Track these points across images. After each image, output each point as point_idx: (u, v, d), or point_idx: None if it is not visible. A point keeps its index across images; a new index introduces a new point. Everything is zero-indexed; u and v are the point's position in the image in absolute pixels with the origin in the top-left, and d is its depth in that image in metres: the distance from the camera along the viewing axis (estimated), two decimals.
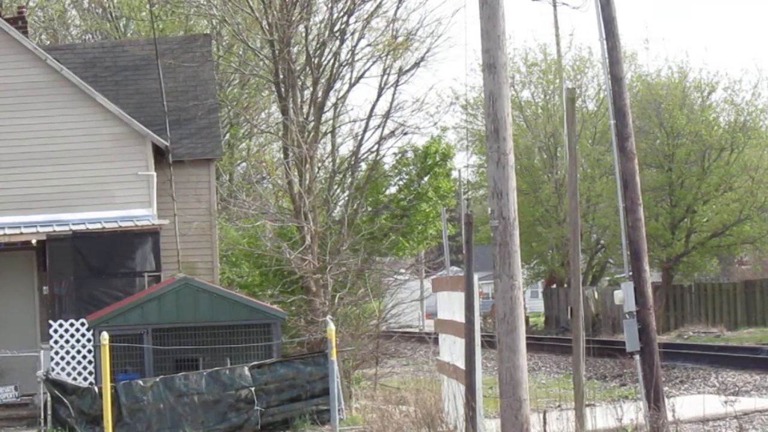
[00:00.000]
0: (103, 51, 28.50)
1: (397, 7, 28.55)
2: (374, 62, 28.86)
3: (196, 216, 25.74)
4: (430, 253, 36.18)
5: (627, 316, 15.86)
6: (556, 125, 55.03)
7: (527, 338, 14.47)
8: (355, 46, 28.69)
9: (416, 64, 28.88)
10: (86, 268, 23.26)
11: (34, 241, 23.87)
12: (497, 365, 14.54)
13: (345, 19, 28.43)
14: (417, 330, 52.41)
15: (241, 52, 35.23)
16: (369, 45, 28.97)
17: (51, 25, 41.87)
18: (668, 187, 49.95)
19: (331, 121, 29.55)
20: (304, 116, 27.91)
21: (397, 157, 31.55)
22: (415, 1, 38.47)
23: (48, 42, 39.84)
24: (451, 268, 25.60)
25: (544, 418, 16.24)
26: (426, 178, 31.34)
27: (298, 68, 28.47)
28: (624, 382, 28.32)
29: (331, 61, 28.51)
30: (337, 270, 26.97)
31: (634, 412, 15.00)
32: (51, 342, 22.85)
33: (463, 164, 71.14)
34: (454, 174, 32.66)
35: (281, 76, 27.95)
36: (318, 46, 28.42)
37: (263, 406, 20.63)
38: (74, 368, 22.72)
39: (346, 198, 29.36)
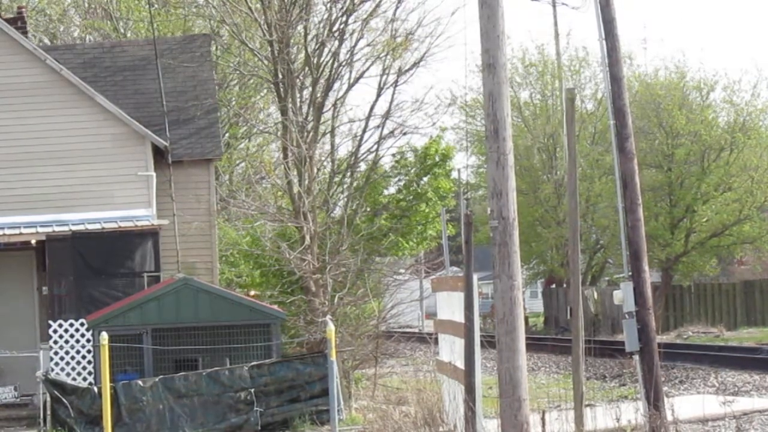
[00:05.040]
0: (102, 51, 28.50)
1: (396, 7, 28.56)
2: (373, 62, 28.87)
3: (196, 216, 25.74)
4: (430, 254, 36.16)
5: (626, 316, 15.85)
6: (555, 126, 55.05)
7: (527, 338, 14.47)
8: (354, 46, 28.70)
9: (415, 64, 28.87)
10: (86, 269, 23.27)
11: (33, 242, 23.87)
12: (497, 365, 14.55)
13: (344, 19, 28.43)
14: (417, 330, 52.40)
15: (240, 53, 35.23)
16: (368, 45, 28.97)
17: (51, 26, 41.87)
18: (668, 187, 49.98)
19: (330, 121, 29.54)
20: (304, 116, 27.91)
21: (397, 158, 31.55)
22: (414, 1, 38.39)
23: (48, 42, 39.84)
24: (450, 269, 25.60)
25: (544, 418, 16.24)
26: (426, 179, 31.33)
27: (297, 68, 28.47)
28: (623, 382, 28.32)
29: (330, 61, 28.51)
30: (336, 270, 26.97)
31: (633, 412, 15.00)
32: (50, 342, 22.86)
33: (463, 165, 71.22)
34: (454, 174, 32.67)
35: (280, 76, 27.95)
36: (317, 46, 28.41)
37: (263, 407, 20.63)
38: (74, 368, 22.73)
39: (346, 198, 29.36)
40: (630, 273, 15.92)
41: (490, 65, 13.96)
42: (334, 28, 28.31)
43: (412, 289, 40.15)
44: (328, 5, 28.60)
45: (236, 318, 21.68)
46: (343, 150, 30.85)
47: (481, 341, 15.78)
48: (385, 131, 28.86)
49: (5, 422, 22.46)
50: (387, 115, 28.66)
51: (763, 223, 49.91)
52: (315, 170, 28.29)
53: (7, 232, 23.62)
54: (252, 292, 27.39)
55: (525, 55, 58.96)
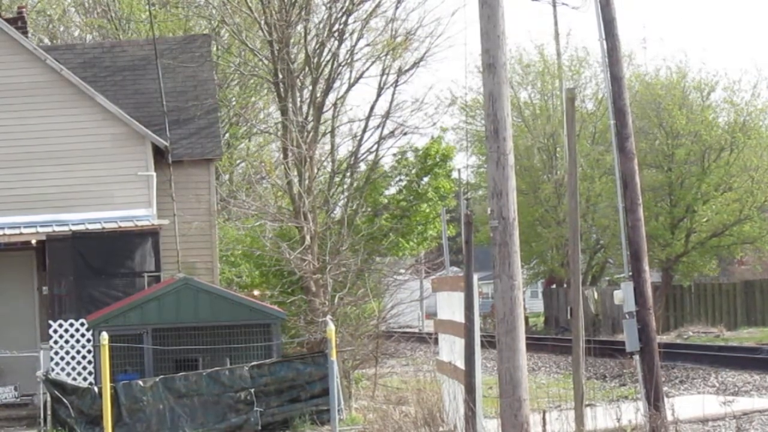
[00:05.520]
0: (102, 51, 28.50)
1: (396, 7, 28.58)
2: (373, 62, 28.89)
3: (196, 216, 25.74)
4: (430, 254, 36.16)
5: (627, 316, 15.84)
6: (555, 126, 55.05)
7: (527, 338, 14.47)
8: (354, 46, 28.72)
9: (415, 64, 28.89)
10: (86, 269, 23.26)
11: (33, 242, 23.87)
12: (497, 365, 14.54)
13: (344, 19, 28.45)
14: (417, 330, 52.40)
15: (240, 53, 35.27)
16: (368, 45, 29.00)
17: (50, 27, 41.88)
18: (668, 187, 49.98)
19: (330, 121, 29.55)
20: (304, 116, 27.91)
21: (397, 158, 31.56)
22: (414, 0, 38.47)
23: (48, 42, 39.84)
24: (450, 269, 25.62)
25: (544, 418, 16.23)
26: (426, 179, 31.34)
27: (297, 68, 28.47)
28: (624, 382, 28.31)
29: (330, 61, 28.51)
30: (336, 270, 26.97)
31: (633, 412, 14.99)
32: (51, 342, 22.86)
33: (463, 165, 71.24)
34: (454, 174, 32.69)
35: (280, 76, 27.95)
36: (317, 46, 28.42)
37: (263, 407, 20.63)
38: (74, 368, 22.73)
39: (346, 198, 29.36)
40: (630, 273, 15.91)
41: (491, 65, 13.96)
42: (334, 28, 28.32)
43: (412, 289, 40.18)
44: (328, 5, 28.61)
45: (236, 318, 21.68)
46: (343, 150, 30.90)
47: (481, 341, 15.78)
48: (385, 131, 28.89)
49: (5, 422, 22.45)
50: (387, 115, 28.67)
51: (763, 223, 49.90)
52: (315, 170, 28.29)
53: (7, 232, 23.61)
54: (256, 292, 27.38)
55: (522, 55, 59.03)
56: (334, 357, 19.39)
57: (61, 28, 42.47)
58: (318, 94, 28.29)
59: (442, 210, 30.42)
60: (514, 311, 13.84)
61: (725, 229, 49.67)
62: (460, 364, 16.09)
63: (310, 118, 28.06)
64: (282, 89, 28.06)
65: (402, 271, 33.37)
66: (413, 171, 31.42)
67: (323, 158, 29.96)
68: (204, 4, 32.53)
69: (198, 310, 21.73)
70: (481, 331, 15.89)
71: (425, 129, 33.72)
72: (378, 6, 28.61)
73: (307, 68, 28.48)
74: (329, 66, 28.45)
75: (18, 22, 26.37)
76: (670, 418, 15.26)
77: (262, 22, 27.88)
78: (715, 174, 49.23)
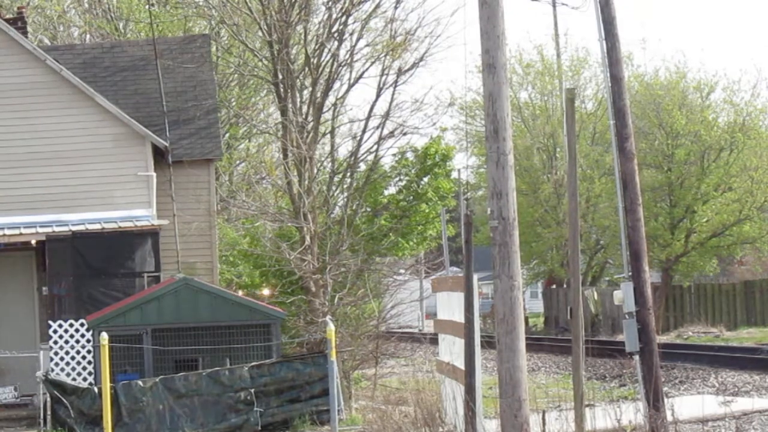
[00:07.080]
0: (102, 51, 28.50)
1: (396, 8, 28.56)
2: (373, 62, 28.86)
3: (196, 216, 25.74)
4: (430, 254, 36.16)
5: (626, 316, 15.86)
6: (555, 126, 55.07)
7: (527, 338, 14.47)
8: (354, 46, 28.69)
9: (415, 64, 28.86)
10: (86, 269, 23.27)
11: (33, 242, 23.88)
12: (497, 365, 14.55)
13: (343, 19, 28.42)
14: (417, 330, 52.40)
15: (240, 53, 35.25)
16: (368, 45, 28.98)
17: (51, 26, 41.88)
18: (668, 187, 50.02)
19: (330, 122, 29.54)
20: (303, 117, 27.90)
21: (397, 158, 31.56)
22: (414, 1, 38.36)
23: (48, 42, 39.84)
24: (450, 269, 25.62)
25: (544, 419, 16.24)
26: (426, 179, 31.34)
27: (296, 69, 28.47)
28: (623, 382, 28.32)
29: (330, 61, 28.49)
30: (336, 270, 26.97)
31: (633, 412, 15.00)
32: (50, 342, 22.86)
33: (463, 165, 71.28)
34: (454, 174, 32.68)
35: (280, 77, 27.94)
36: (317, 46, 28.41)
37: (263, 407, 20.63)
38: (74, 369, 22.73)
39: (346, 198, 29.35)
40: (630, 273, 15.93)
41: (490, 65, 13.95)
42: (334, 29, 28.30)
43: (412, 289, 40.18)
44: (328, 5, 28.61)
45: (236, 318, 21.68)
46: (343, 150, 30.92)
47: (481, 341, 15.79)
48: (385, 131, 28.86)
49: (5, 422, 22.46)
50: (387, 116, 28.64)
51: (763, 223, 49.94)
52: (315, 170, 28.29)
53: (7, 232, 23.62)
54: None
55: (522, 55, 59.04)
56: (333, 357, 19.40)
57: (61, 28, 42.45)
58: (318, 95, 28.28)
59: (441, 210, 30.41)
60: (514, 311, 13.84)
61: (725, 229, 49.71)
62: (460, 364, 16.10)
63: (309, 118, 28.05)
64: (282, 90, 28.05)
65: (402, 271, 33.37)
66: (413, 171, 31.41)
67: (323, 158, 29.96)
68: (203, 4, 32.49)
69: (198, 310, 21.73)
70: (480, 332, 15.91)
71: (425, 129, 33.70)
72: (378, 6, 28.62)
73: (306, 69, 28.47)
74: (329, 66, 28.43)
75: (18, 22, 26.37)
76: (669, 418, 15.26)
77: (262, 22, 27.87)
78: (715, 174, 49.26)
